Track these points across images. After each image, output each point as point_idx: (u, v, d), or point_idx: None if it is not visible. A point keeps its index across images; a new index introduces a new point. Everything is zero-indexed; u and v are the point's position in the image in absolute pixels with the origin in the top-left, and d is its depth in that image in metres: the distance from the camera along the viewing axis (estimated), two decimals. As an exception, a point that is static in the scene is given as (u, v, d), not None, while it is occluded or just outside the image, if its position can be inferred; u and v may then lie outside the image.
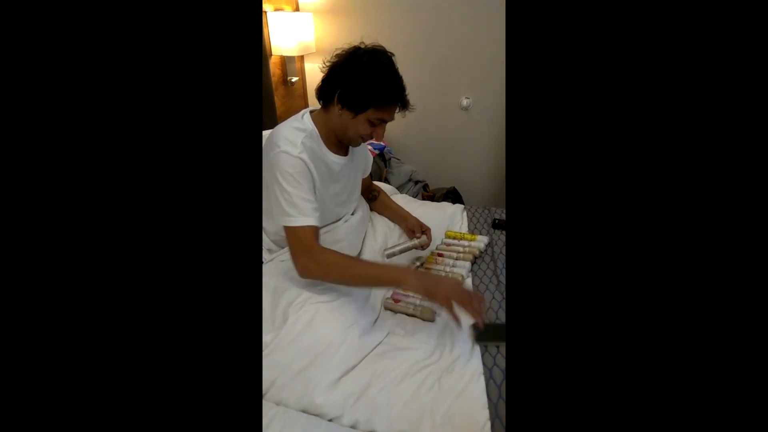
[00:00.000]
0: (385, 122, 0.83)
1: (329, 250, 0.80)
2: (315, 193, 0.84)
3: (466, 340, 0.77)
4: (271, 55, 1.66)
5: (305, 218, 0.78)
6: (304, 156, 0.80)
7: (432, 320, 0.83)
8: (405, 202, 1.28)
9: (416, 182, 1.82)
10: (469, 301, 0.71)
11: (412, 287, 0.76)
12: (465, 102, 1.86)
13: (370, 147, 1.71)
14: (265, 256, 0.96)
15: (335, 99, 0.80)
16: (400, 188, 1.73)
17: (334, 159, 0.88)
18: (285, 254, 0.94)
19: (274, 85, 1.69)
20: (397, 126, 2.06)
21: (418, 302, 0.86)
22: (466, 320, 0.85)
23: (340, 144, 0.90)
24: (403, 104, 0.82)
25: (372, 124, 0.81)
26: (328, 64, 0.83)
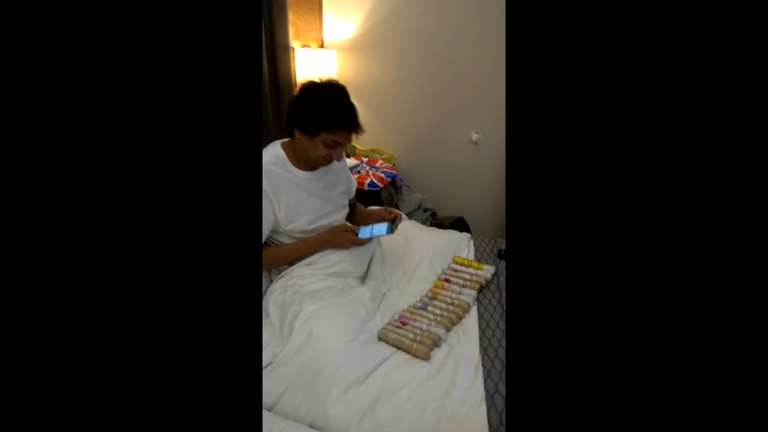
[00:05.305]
0: (342, 144, 0.93)
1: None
2: (273, 206, 0.95)
3: (469, 364, 0.80)
4: (296, 86, 1.78)
5: None
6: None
7: (427, 359, 0.79)
8: (414, 228, 1.33)
9: (425, 210, 1.88)
10: (353, 240, 1.01)
11: (325, 247, 1.02)
12: (475, 137, 1.95)
13: (382, 175, 1.78)
14: (275, 275, 1.04)
15: (294, 126, 0.93)
16: (410, 215, 1.79)
17: (301, 174, 1.00)
18: (293, 272, 1.01)
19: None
20: (410, 156, 2.15)
21: (424, 327, 0.89)
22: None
23: (308, 164, 1.01)
24: (352, 128, 0.92)
25: (327, 146, 0.92)
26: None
